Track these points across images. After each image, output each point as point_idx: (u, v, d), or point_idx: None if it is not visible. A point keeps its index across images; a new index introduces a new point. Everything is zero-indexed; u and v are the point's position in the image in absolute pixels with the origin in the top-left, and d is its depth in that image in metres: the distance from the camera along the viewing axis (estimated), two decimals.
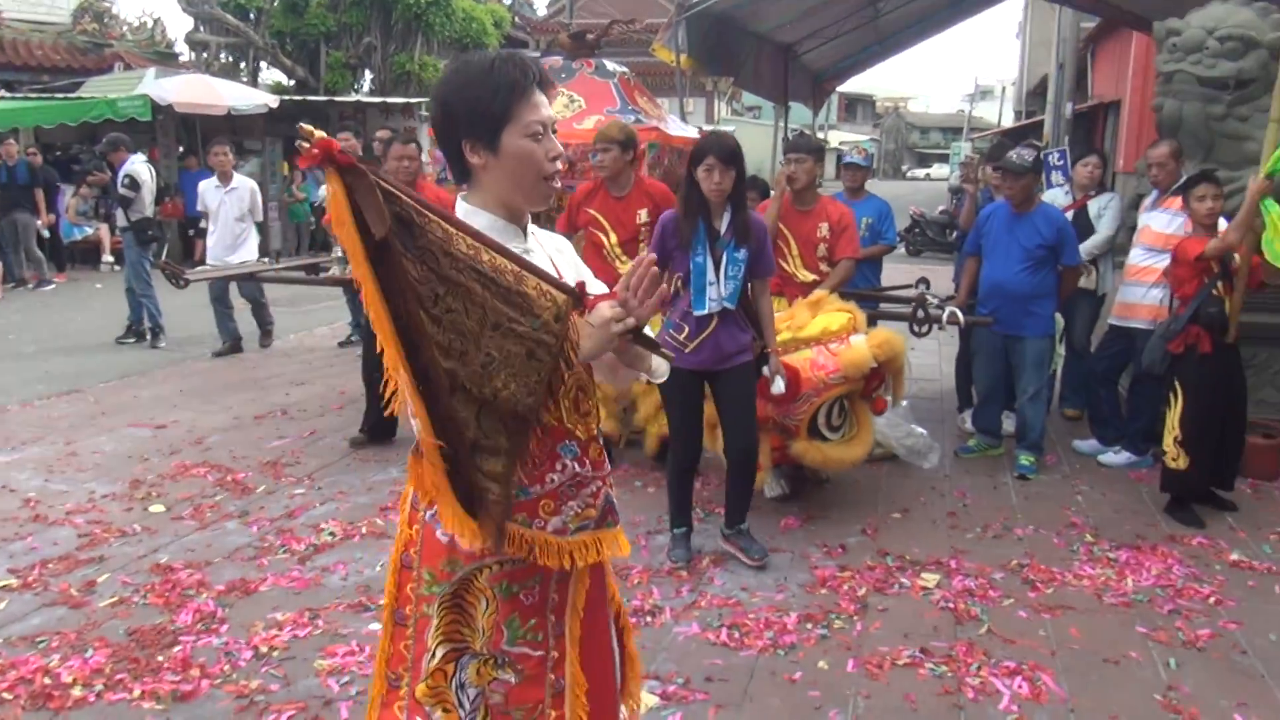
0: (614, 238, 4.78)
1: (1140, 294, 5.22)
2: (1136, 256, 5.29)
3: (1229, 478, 4.65)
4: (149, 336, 8.55)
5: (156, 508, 4.62)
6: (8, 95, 14.60)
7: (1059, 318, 5.42)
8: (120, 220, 8.60)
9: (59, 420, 6.18)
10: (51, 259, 12.93)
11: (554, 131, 1.71)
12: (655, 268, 1.62)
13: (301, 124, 1.37)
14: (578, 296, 1.56)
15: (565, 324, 1.53)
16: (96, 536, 4.25)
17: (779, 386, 4.03)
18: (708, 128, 24.69)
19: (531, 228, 1.78)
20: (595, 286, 1.75)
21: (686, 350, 3.77)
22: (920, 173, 61.98)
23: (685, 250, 3.75)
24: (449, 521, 1.55)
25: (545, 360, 1.50)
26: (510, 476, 1.54)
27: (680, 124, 6.14)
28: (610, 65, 5.68)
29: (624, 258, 4.79)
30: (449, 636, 1.71)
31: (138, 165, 8.41)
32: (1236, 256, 4.38)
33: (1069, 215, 5.92)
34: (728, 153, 3.67)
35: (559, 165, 1.71)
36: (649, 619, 3.51)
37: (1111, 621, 3.55)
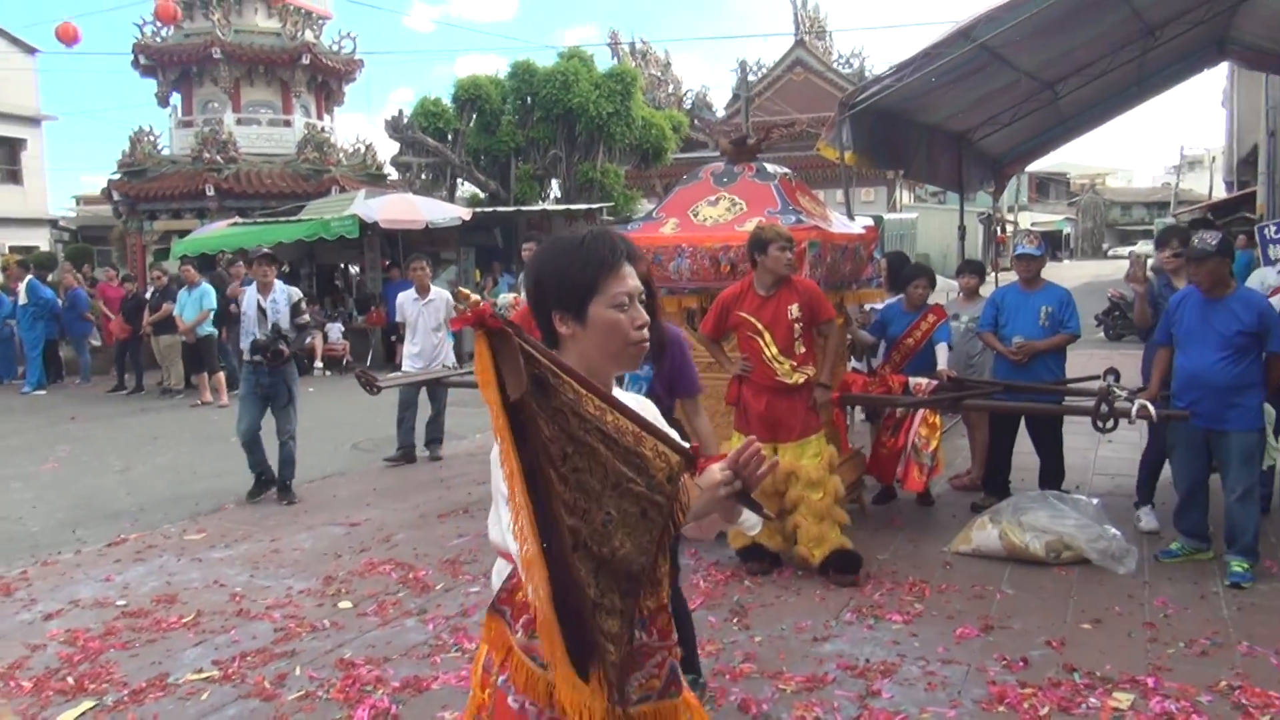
0: (769, 337, 4.79)
1: None
2: None
3: None
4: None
5: (345, 604, 4.90)
6: (241, 221, 16.37)
7: (1270, 409, 4.97)
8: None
9: (268, 518, 6.70)
10: None
11: (641, 300, 1.77)
12: (763, 453, 1.63)
13: (461, 288, 1.49)
14: (691, 459, 1.59)
15: (677, 485, 1.56)
16: (291, 631, 4.54)
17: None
18: (891, 217, 24.28)
19: (617, 390, 1.83)
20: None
21: None
22: (1123, 250, 58.71)
23: None
24: (563, 689, 1.55)
25: (657, 520, 1.54)
26: (625, 638, 1.55)
27: (844, 221, 6.12)
28: (771, 168, 5.76)
29: (782, 359, 4.78)
30: None
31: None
32: None
33: None
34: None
35: (645, 333, 1.76)
36: None
37: None
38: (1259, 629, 4.17)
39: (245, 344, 7.06)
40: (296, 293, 7.34)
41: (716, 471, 1.61)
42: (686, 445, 1.60)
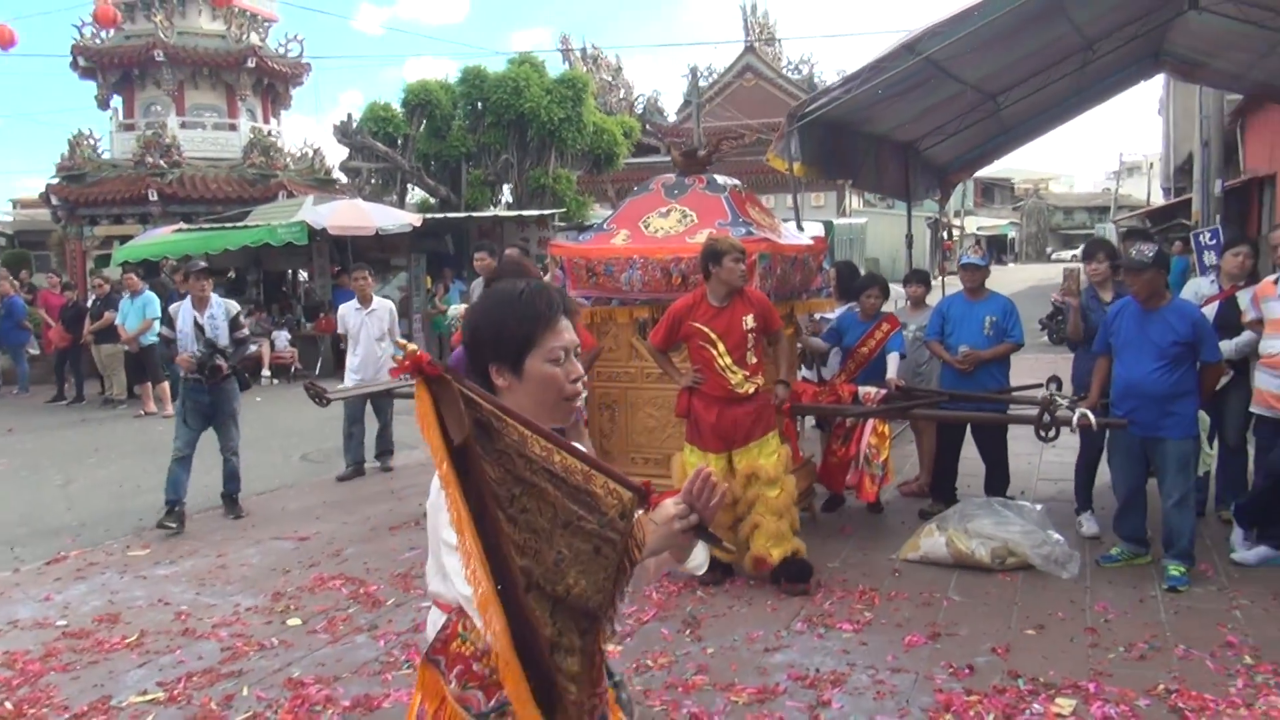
0: (723, 347, 4.82)
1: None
2: (1273, 345, 5.06)
3: None
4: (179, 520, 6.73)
5: (294, 621, 4.84)
6: (186, 227, 16.06)
7: (1204, 416, 5.12)
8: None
9: (214, 533, 6.59)
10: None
11: (576, 355, 1.79)
12: (715, 480, 1.65)
13: (398, 339, 1.50)
14: (643, 495, 1.60)
15: (630, 521, 1.57)
16: (238, 650, 4.47)
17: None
18: (840, 222, 24.41)
19: None
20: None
21: None
22: (1066, 254, 59.99)
23: None
24: None
25: (611, 557, 1.55)
26: (585, 678, 1.56)
27: (793, 232, 6.19)
28: (721, 179, 5.81)
29: (735, 369, 4.82)
30: None
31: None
32: None
33: (1214, 306, 5.67)
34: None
35: (579, 386, 1.78)
36: None
37: None
38: (1195, 632, 4.30)
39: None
40: (234, 306, 7.13)
41: (671, 506, 1.63)
42: (639, 483, 1.61)
